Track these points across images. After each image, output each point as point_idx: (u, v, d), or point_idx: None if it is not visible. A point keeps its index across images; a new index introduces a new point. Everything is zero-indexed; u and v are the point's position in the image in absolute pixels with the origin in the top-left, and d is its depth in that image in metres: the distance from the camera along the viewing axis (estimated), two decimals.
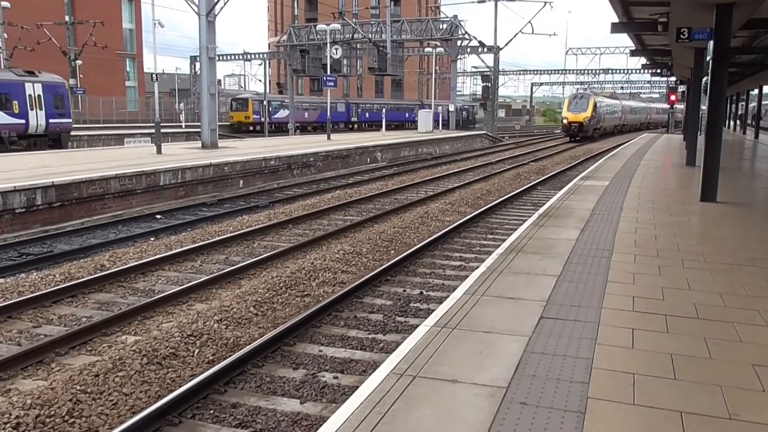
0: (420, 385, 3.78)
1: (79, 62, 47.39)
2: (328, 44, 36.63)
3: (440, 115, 44.17)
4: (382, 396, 3.63)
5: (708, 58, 11.92)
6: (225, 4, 22.57)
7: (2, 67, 34.81)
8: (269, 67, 62.27)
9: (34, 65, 30.15)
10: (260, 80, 65.44)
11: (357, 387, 3.93)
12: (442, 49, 45.14)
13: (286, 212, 13.22)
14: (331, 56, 36.18)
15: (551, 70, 73.37)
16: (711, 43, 11.33)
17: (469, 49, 45.38)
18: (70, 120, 28.65)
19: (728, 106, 45.94)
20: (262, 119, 44.27)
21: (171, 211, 14.20)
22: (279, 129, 45.86)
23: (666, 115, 69.78)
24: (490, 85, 46.05)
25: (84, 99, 48.04)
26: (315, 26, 45.09)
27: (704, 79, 16.55)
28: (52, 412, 4.56)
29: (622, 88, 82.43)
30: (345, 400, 3.77)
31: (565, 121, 44.54)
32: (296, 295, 7.43)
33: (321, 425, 3.44)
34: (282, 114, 48.72)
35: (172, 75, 69.65)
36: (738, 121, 47.05)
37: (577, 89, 66.78)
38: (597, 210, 10.23)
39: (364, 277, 7.91)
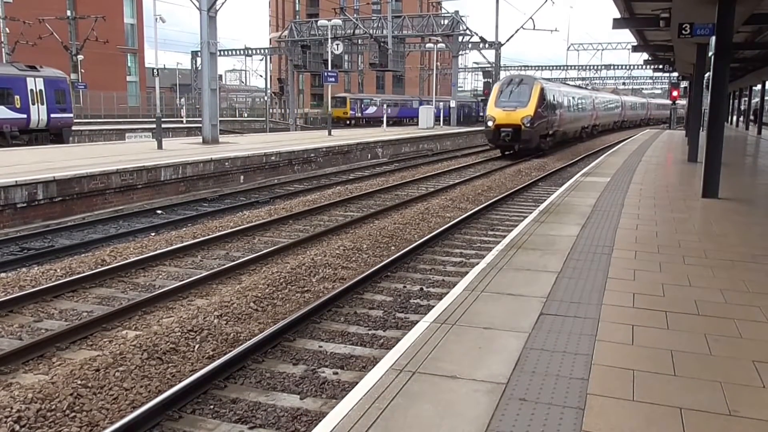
0: (419, 380, 3.78)
1: (80, 57, 47.42)
2: (330, 40, 36.58)
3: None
4: (381, 392, 3.63)
5: (710, 53, 11.88)
6: None
7: (4, 61, 34.82)
8: (270, 62, 62.20)
9: (35, 60, 30.15)
10: (261, 75, 65.64)
11: (357, 383, 3.94)
12: (443, 45, 45.05)
13: (287, 208, 13.22)
14: (332, 52, 36.12)
15: (553, 66, 73.07)
16: (713, 39, 11.29)
17: (470, 45, 45.31)
18: (71, 115, 28.66)
19: (731, 101, 45.90)
20: (357, 114, 53.42)
21: (171, 206, 14.21)
22: (368, 123, 53.14)
23: (645, 111, 64.38)
24: (491, 80, 45.88)
25: (85, 94, 48.07)
26: (316, 22, 45.08)
27: (706, 75, 16.50)
28: (53, 407, 4.57)
29: (624, 84, 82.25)
30: (345, 395, 3.77)
31: (490, 124, 25.50)
32: (296, 291, 7.43)
33: (321, 421, 3.44)
34: (371, 110, 55.25)
35: (174, 70, 69.63)
36: (741, 117, 46.99)
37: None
38: (598, 206, 10.22)
39: (365, 273, 7.91)
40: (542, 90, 25.77)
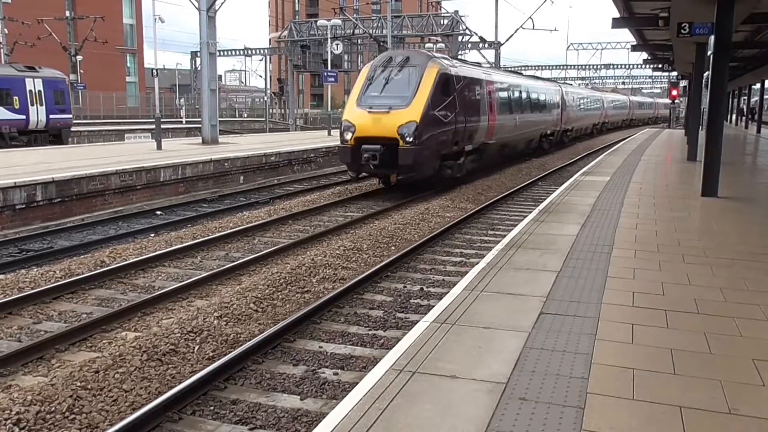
0: (419, 380, 3.78)
1: (79, 58, 47.46)
2: (329, 40, 36.61)
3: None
4: (381, 392, 3.63)
5: (709, 52, 11.88)
6: None
7: (3, 62, 34.81)
8: (270, 62, 62.27)
9: (34, 61, 30.16)
10: (261, 76, 65.67)
11: (357, 383, 3.93)
12: (443, 45, 45.04)
13: (287, 208, 13.21)
14: (331, 52, 36.14)
15: (552, 66, 73.13)
16: (712, 38, 11.29)
17: (470, 45, 45.25)
18: (70, 116, 28.68)
19: (730, 100, 45.93)
20: None
21: (171, 207, 14.20)
22: None
23: (628, 110, 57.07)
24: None
25: (84, 94, 48.11)
26: (316, 22, 45.12)
27: (705, 74, 16.50)
28: (53, 409, 4.56)
29: (623, 83, 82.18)
30: (345, 396, 3.77)
31: (347, 137, 14.22)
32: (296, 292, 7.42)
33: (321, 421, 3.44)
34: None
35: (173, 70, 69.69)
36: (740, 116, 47.01)
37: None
38: (597, 205, 10.22)
39: (365, 273, 7.90)
40: (441, 76, 14.52)
